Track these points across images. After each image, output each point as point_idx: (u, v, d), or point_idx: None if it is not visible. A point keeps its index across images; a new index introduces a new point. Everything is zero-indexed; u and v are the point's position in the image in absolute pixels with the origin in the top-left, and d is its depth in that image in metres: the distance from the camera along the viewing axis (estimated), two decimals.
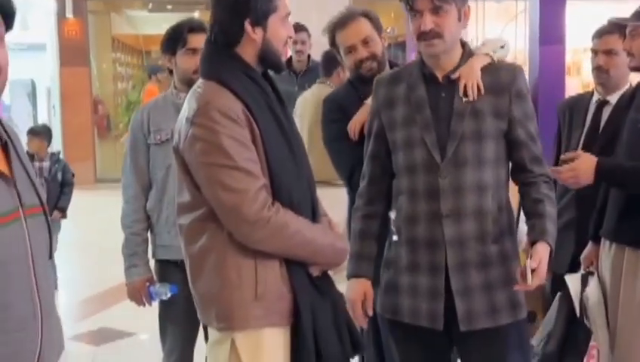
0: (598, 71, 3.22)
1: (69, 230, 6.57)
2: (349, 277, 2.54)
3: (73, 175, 6.29)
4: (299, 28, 6.21)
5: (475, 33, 11.50)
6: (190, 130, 2.13)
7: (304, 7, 7.02)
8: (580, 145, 3.25)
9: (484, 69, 2.42)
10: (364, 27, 2.97)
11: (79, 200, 6.72)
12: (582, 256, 3.03)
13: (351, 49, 2.93)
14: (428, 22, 2.32)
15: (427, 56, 2.42)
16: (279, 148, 2.19)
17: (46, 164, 6.12)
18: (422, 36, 2.34)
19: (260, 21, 2.21)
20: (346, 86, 3.20)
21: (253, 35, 2.21)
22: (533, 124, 2.46)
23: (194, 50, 2.94)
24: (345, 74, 5.28)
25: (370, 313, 2.51)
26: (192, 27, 3.01)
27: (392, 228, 2.47)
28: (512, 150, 2.42)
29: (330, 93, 3.40)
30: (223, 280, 2.18)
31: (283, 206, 2.17)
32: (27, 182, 1.66)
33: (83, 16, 11.62)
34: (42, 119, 12.70)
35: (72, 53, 11.49)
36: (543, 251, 2.29)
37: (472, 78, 2.38)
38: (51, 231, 1.72)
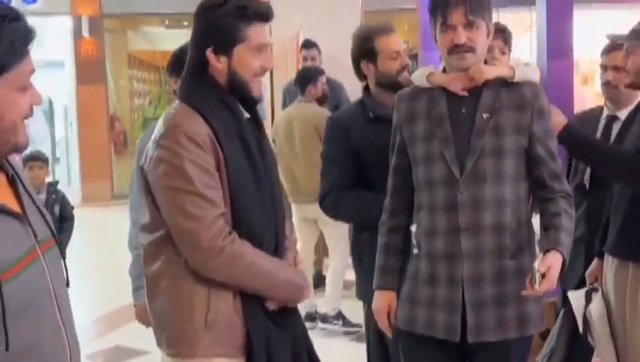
0: (607, 86, 3.23)
1: (86, 246, 6.55)
2: (375, 289, 2.57)
3: (73, 208, 5.51)
4: (309, 44, 6.28)
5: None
6: (156, 152, 2.13)
7: (315, 22, 7.06)
8: None
9: (507, 86, 2.45)
10: (401, 40, 3.09)
11: (96, 216, 6.71)
12: (587, 272, 3.03)
13: (397, 54, 3.00)
14: (462, 36, 2.36)
15: (455, 70, 2.44)
16: (243, 177, 2.17)
17: (42, 197, 5.16)
18: (455, 49, 2.38)
19: (224, 50, 2.18)
20: (355, 105, 3.22)
21: (217, 63, 2.19)
22: (554, 141, 2.49)
23: None
24: (316, 90, 5.44)
25: (393, 323, 2.56)
26: None
27: (413, 241, 2.51)
28: (532, 166, 2.45)
29: (338, 112, 3.45)
30: (175, 305, 2.18)
31: (242, 236, 2.14)
32: (37, 214, 1.66)
33: (99, 34, 11.75)
34: (59, 137, 12.80)
35: (89, 71, 11.60)
36: (553, 258, 2.29)
37: (480, 68, 2.42)
38: (65, 257, 1.72)
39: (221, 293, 2.15)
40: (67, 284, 1.71)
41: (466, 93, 2.44)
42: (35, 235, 1.60)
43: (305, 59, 6.24)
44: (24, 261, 1.55)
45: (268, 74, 7.68)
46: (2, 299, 1.47)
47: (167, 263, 2.18)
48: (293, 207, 5.62)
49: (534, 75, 2.57)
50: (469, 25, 2.37)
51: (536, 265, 2.24)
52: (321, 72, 5.70)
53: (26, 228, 1.59)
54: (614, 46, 3.19)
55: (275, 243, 2.26)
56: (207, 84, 2.21)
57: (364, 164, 3.04)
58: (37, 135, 12.79)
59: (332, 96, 6.00)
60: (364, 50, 3.04)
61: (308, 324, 5.58)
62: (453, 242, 2.39)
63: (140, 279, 3.06)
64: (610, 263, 2.82)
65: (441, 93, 2.48)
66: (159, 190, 2.14)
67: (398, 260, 2.58)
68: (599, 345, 2.83)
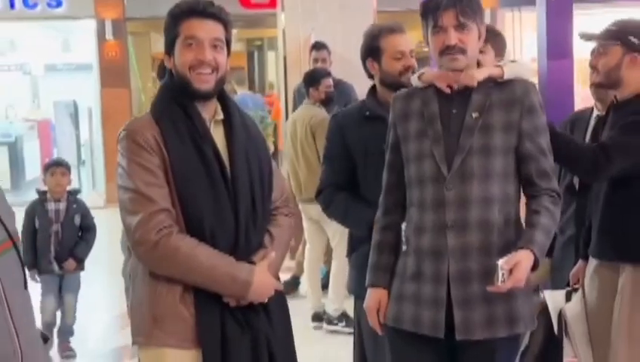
0: (595, 87, 3.21)
1: (110, 246, 6.60)
2: (367, 286, 2.64)
3: (93, 218, 5.32)
4: (319, 46, 6.30)
5: (512, 43, 11.43)
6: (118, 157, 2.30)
7: (328, 23, 7.07)
8: None
9: (499, 85, 2.48)
10: (410, 41, 3.11)
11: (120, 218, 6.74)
12: (571, 273, 3.04)
13: (401, 55, 3.04)
14: (453, 37, 2.41)
15: (448, 70, 2.49)
16: (192, 177, 2.25)
17: (62, 205, 5.09)
18: (446, 50, 2.43)
19: (169, 49, 2.34)
20: (357, 104, 3.28)
21: (169, 63, 2.34)
22: (545, 138, 2.50)
23: None
24: (318, 93, 5.49)
25: (382, 320, 2.60)
26: None
27: (403, 238, 2.56)
28: (521, 164, 2.48)
29: (341, 110, 3.50)
30: (136, 298, 2.34)
31: (193, 234, 2.23)
32: None
33: (123, 37, 11.87)
34: (84, 139, 12.96)
35: (113, 75, 11.71)
36: (522, 256, 2.31)
37: (473, 72, 2.48)
38: (22, 260, 1.72)
39: (170, 287, 2.26)
40: (24, 286, 1.72)
41: (448, 90, 2.48)
42: None
43: (315, 60, 6.26)
44: None
45: (282, 75, 7.78)
46: None
47: (135, 259, 2.36)
48: (300, 207, 5.67)
49: (526, 72, 2.59)
50: (460, 27, 2.42)
51: (500, 262, 2.26)
52: (325, 74, 5.72)
53: None
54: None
55: (235, 241, 2.30)
56: (169, 88, 2.35)
57: (355, 163, 3.08)
58: (63, 137, 13.00)
59: (342, 97, 6.03)
60: (370, 48, 3.09)
61: (314, 324, 5.62)
62: (440, 239, 2.43)
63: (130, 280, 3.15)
64: (591, 264, 2.84)
65: (434, 93, 2.52)
66: (117, 188, 2.31)
67: (391, 258, 2.61)
68: (575, 345, 2.83)
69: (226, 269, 2.25)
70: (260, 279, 2.29)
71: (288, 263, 6.72)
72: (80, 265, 5.14)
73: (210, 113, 2.37)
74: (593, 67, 2.91)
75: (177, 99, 2.30)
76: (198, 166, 2.25)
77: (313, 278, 5.80)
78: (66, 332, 5.22)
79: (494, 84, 2.49)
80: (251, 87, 14.62)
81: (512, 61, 2.64)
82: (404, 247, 2.56)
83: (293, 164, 5.72)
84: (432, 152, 2.46)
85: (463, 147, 2.43)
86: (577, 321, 2.84)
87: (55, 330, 5.14)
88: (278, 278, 2.46)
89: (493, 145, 2.44)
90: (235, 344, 2.25)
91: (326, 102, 5.65)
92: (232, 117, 2.39)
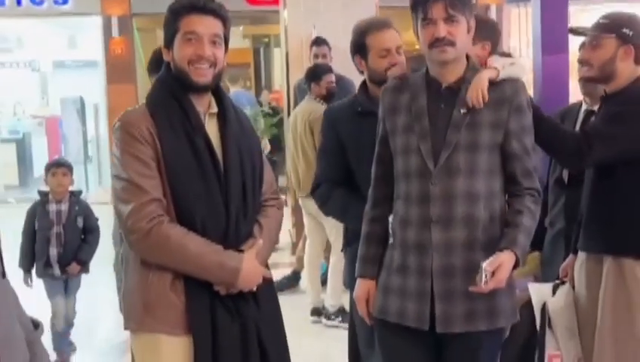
0: (584, 81, 3.22)
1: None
2: (357, 277, 2.69)
3: (97, 219, 5.08)
4: (319, 42, 6.31)
5: (518, 38, 11.38)
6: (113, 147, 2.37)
7: (330, 19, 7.08)
8: None
9: (489, 83, 2.48)
10: (398, 37, 3.09)
11: None
12: (561, 267, 3.05)
13: (386, 52, 3.01)
14: (442, 29, 2.43)
15: (436, 64, 2.51)
16: (183, 169, 2.31)
17: (64, 207, 4.90)
18: (435, 43, 2.45)
19: (168, 43, 2.40)
20: (349, 99, 3.28)
21: (167, 57, 2.41)
22: (530, 138, 2.53)
23: None
24: (319, 88, 5.50)
25: (371, 310, 2.64)
26: None
27: (390, 230, 2.58)
28: (506, 162, 2.50)
29: (333, 104, 3.50)
30: (128, 285, 2.41)
31: (183, 223, 2.30)
32: None
33: (129, 33, 11.91)
34: (91, 136, 13.02)
35: (119, 71, 11.76)
36: (505, 258, 2.36)
37: (477, 87, 2.46)
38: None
39: (161, 275, 2.31)
40: (3, 275, 1.69)
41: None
42: None
43: (316, 56, 6.27)
44: None
45: (284, 71, 7.80)
46: None
47: (126, 247, 2.43)
48: (300, 203, 5.70)
49: (520, 72, 2.60)
50: (449, 19, 2.43)
51: (484, 264, 2.29)
52: (327, 70, 5.74)
53: None
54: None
55: (225, 231, 2.36)
56: (165, 81, 2.41)
57: (348, 158, 3.09)
58: (70, 133, 13.05)
59: (344, 93, 6.03)
60: (357, 45, 3.09)
61: (313, 319, 5.65)
62: (424, 233, 2.46)
63: (121, 274, 3.19)
64: (578, 257, 2.85)
65: (423, 88, 2.53)
66: (112, 178, 2.39)
67: (380, 250, 2.64)
68: (557, 339, 2.85)
69: (214, 257, 2.31)
70: (248, 267, 2.35)
71: (289, 258, 6.77)
72: (84, 268, 4.95)
73: (205, 106, 2.43)
74: (584, 61, 2.90)
75: (173, 92, 2.36)
76: (190, 158, 2.32)
77: (313, 273, 5.83)
78: (69, 325, 5.13)
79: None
80: (257, 84, 14.67)
81: (512, 64, 2.61)
82: (390, 240, 2.59)
83: (293, 159, 5.76)
84: (419, 147, 2.47)
85: (450, 143, 2.45)
86: (561, 315, 2.86)
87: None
88: (267, 267, 2.51)
89: (480, 141, 2.45)
90: (225, 331, 2.31)
91: (327, 98, 5.66)
92: (226, 110, 2.45)
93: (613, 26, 2.79)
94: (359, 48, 3.07)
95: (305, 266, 5.93)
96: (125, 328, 2.43)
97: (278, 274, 6.46)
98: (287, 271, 6.55)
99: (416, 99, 2.53)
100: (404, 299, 2.50)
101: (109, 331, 5.66)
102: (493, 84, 2.49)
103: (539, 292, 2.95)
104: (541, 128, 2.60)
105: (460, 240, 2.44)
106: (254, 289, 2.41)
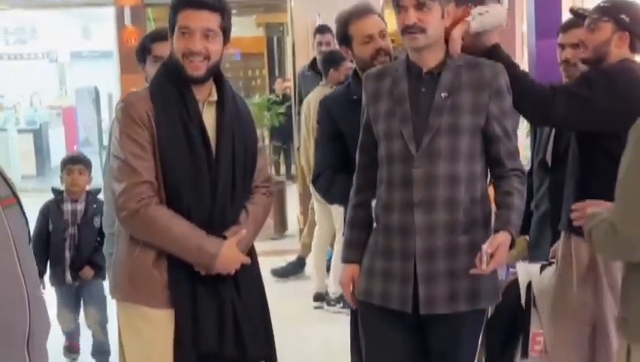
0: (566, 64, 3.23)
1: None
2: (342, 262, 2.75)
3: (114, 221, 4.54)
4: (323, 30, 6.32)
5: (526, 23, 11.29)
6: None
7: (334, 7, 7.08)
8: (552, 137, 3.28)
9: (468, 65, 2.53)
10: (380, 21, 3.10)
11: None
12: (552, 248, 3.09)
13: (369, 38, 3.01)
14: (412, 16, 2.45)
15: (411, 50, 2.54)
16: (175, 153, 2.42)
17: (80, 207, 4.47)
18: (406, 30, 2.47)
19: (170, 35, 2.50)
20: (344, 87, 3.29)
21: (171, 47, 2.51)
22: (510, 121, 2.56)
23: (159, 58, 3.05)
24: (338, 74, 5.45)
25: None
26: (155, 37, 3.21)
27: (373, 215, 2.62)
28: (489, 145, 2.53)
29: (328, 94, 3.51)
30: (117, 256, 2.56)
31: (172, 206, 2.43)
32: None
33: (142, 24, 11.97)
34: (105, 125, 13.14)
35: (132, 60, 11.68)
36: (502, 239, 2.40)
37: (452, 48, 2.55)
38: (27, 218, 1.91)
39: (145, 251, 2.45)
40: (29, 241, 1.91)
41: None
42: None
43: (319, 44, 6.27)
44: None
45: (290, 59, 7.81)
46: None
47: (119, 224, 2.54)
48: (311, 189, 5.73)
49: (493, 21, 2.63)
50: (420, 6, 2.45)
51: (484, 246, 2.33)
52: (344, 57, 5.71)
53: None
54: (572, 24, 3.20)
55: (210, 215, 2.47)
56: (168, 68, 2.51)
57: (347, 145, 3.12)
58: (85, 123, 13.20)
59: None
60: (341, 36, 3.11)
61: (316, 304, 5.70)
62: (407, 217, 2.49)
63: (112, 257, 3.24)
64: (560, 237, 2.90)
65: (404, 73, 2.56)
66: (110, 157, 2.53)
67: (364, 234, 2.67)
68: (541, 318, 2.90)
69: (195, 241, 2.43)
70: (226, 253, 2.46)
71: (298, 245, 6.82)
72: (100, 272, 4.43)
73: (204, 95, 2.52)
74: (581, 43, 2.91)
75: (174, 79, 2.46)
76: (184, 145, 2.43)
77: (319, 259, 5.87)
78: (100, 352, 4.63)
79: (464, 64, 2.53)
80: (271, 72, 14.70)
81: (481, 14, 2.61)
82: (374, 224, 2.62)
83: (305, 145, 5.76)
84: (401, 131, 2.50)
85: (432, 126, 2.47)
86: (544, 295, 2.89)
87: (89, 351, 4.67)
88: (253, 249, 2.66)
89: (461, 125, 2.48)
90: (204, 307, 2.45)
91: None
92: (224, 99, 2.54)
93: (612, 10, 2.80)
94: (344, 38, 3.10)
95: (312, 251, 5.97)
96: (112, 297, 2.62)
97: (288, 261, 6.55)
98: (291, 258, 6.59)
99: (397, 84, 2.56)
100: (387, 282, 2.54)
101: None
102: (470, 64, 2.52)
103: (526, 271, 2.99)
104: (513, 76, 2.61)
105: (441, 222, 2.47)
106: (232, 272, 2.51)
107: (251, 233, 2.59)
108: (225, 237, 2.49)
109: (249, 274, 2.59)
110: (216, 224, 2.48)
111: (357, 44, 3.04)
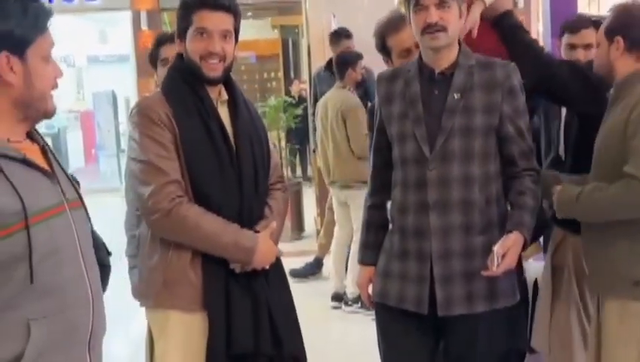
0: None
1: None
2: (358, 263, 2.77)
3: (110, 253, 4.58)
4: (344, 36, 6.28)
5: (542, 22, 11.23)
6: (128, 130, 2.45)
7: (350, 9, 7.10)
8: (562, 132, 3.27)
9: (480, 65, 2.53)
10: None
11: None
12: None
13: (407, 52, 2.98)
14: (434, 15, 2.45)
15: (428, 50, 2.54)
16: (200, 151, 2.40)
17: None
18: (427, 29, 2.47)
19: (181, 36, 2.48)
20: None
21: (180, 47, 2.50)
22: (524, 120, 2.56)
23: (167, 61, 3.09)
24: (356, 74, 5.48)
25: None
26: (161, 41, 3.26)
27: (388, 217, 2.63)
28: (502, 145, 2.53)
29: (373, 103, 3.53)
30: (144, 263, 2.49)
31: (200, 203, 2.38)
32: (65, 179, 1.88)
33: (158, 27, 12.03)
34: (123, 128, 13.22)
35: (149, 65, 11.84)
36: (514, 240, 2.41)
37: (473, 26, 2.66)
38: (91, 221, 1.95)
39: (180, 253, 2.41)
40: (92, 244, 1.94)
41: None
42: (63, 193, 1.83)
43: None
44: (51, 211, 1.78)
45: (305, 60, 7.83)
46: (30, 239, 1.69)
47: (145, 227, 2.49)
48: (330, 190, 5.75)
49: None
50: (441, 4, 2.45)
51: (495, 247, 2.34)
52: (360, 56, 5.72)
53: (55, 186, 1.82)
54: (583, 25, 3.20)
55: (239, 211, 2.45)
56: (179, 70, 2.49)
57: None
58: (103, 126, 13.29)
59: (370, 82, 6.05)
60: (380, 47, 3.09)
61: (333, 304, 5.72)
62: (423, 218, 2.49)
63: (134, 259, 3.25)
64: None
65: (416, 75, 2.57)
66: (128, 162, 2.47)
67: (380, 236, 2.69)
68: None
69: (231, 237, 2.40)
70: (263, 246, 2.45)
71: (312, 246, 6.84)
72: None
73: (216, 94, 2.52)
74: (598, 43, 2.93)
75: (187, 80, 2.45)
76: (206, 141, 2.41)
77: (338, 259, 5.87)
78: None
79: (476, 64, 2.53)
80: (286, 74, 14.72)
81: None
82: (390, 226, 2.63)
83: (323, 146, 5.78)
84: (414, 133, 2.51)
85: (445, 128, 2.47)
86: (545, 291, 2.95)
87: None
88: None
89: (475, 126, 2.48)
90: (238, 308, 2.41)
91: (359, 85, 5.67)
92: (236, 97, 2.55)
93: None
94: (383, 49, 3.09)
95: (332, 251, 5.97)
96: (141, 305, 2.55)
97: (305, 262, 6.57)
98: (309, 259, 6.61)
99: (409, 85, 2.56)
100: (403, 284, 2.55)
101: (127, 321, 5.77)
102: (482, 64, 2.53)
103: (533, 269, 3.01)
104: (525, 43, 2.72)
105: (457, 223, 2.47)
106: (267, 267, 2.50)
107: (279, 226, 2.60)
108: (257, 232, 2.48)
109: (277, 270, 2.58)
110: (245, 220, 2.46)
111: (395, 56, 3.04)
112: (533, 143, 2.66)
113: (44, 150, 1.86)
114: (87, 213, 1.93)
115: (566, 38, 3.26)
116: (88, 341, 1.85)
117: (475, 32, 2.59)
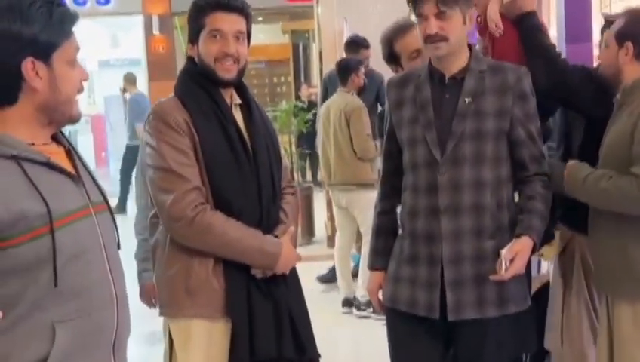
0: None
1: None
2: (368, 269, 2.76)
3: (119, 247, 4.58)
4: (367, 45, 6.28)
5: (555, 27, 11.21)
6: (145, 137, 2.40)
7: (362, 14, 7.10)
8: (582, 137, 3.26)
9: (491, 70, 2.53)
10: None
11: None
12: None
13: (417, 53, 3.00)
14: (433, 26, 2.44)
15: (433, 58, 2.54)
16: (219, 156, 2.37)
17: None
18: (428, 39, 2.47)
19: (193, 39, 2.46)
20: None
21: (192, 52, 2.47)
22: (535, 124, 2.56)
23: None
24: (359, 79, 5.51)
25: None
26: None
27: (399, 221, 2.63)
28: (513, 149, 2.53)
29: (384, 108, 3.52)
30: (164, 271, 2.43)
31: (221, 209, 2.35)
32: (91, 182, 1.87)
33: (169, 32, 12.09)
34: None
35: (160, 68, 11.93)
36: (523, 245, 2.41)
37: (492, 21, 2.74)
38: (116, 225, 1.95)
39: (202, 260, 2.37)
40: (118, 246, 1.94)
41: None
42: (88, 197, 1.83)
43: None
44: (77, 214, 1.77)
45: (317, 64, 7.83)
46: (54, 242, 1.69)
47: (161, 235, 2.45)
48: (330, 194, 5.74)
49: None
50: (441, 14, 2.44)
51: (503, 252, 2.33)
52: (362, 62, 5.77)
53: (80, 189, 1.81)
54: (606, 25, 3.18)
55: (260, 216, 2.43)
56: (192, 74, 2.45)
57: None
58: (114, 130, 13.30)
59: (373, 87, 6.07)
60: (388, 55, 3.11)
61: (344, 310, 5.70)
62: (433, 223, 2.49)
63: (144, 262, 3.26)
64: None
65: (427, 79, 2.56)
66: (145, 169, 2.42)
67: (389, 242, 2.69)
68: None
69: (255, 242, 2.38)
70: (286, 252, 2.43)
71: (326, 251, 6.81)
72: None
73: (228, 98, 2.50)
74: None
75: (201, 84, 2.42)
76: (225, 147, 2.38)
77: (343, 264, 5.86)
78: None
79: (487, 69, 2.53)
80: (296, 79, 14.74)
81: None
82: (400, 231, 2.63)
83: (325, 150, 5.79)
84: (425, 137, 2.50)
85: (456, 132, 2.47)
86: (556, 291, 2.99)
87: None
88: None
89: (486, 130, 2.47)
90: (260, 313, 2.38)
91: (362, 90, 5.70)
92: (249, 101, 2.53)
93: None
94: (391, 57, 3.10)
95: (335, 258, 5.96)
96: (161, 314, 2.51)
97: (315, 267, 6.53)
98: (324, 264, 6.58)
99: (420, 90, 2.56)
100: (414, 288, 2.54)
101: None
102: (493, 69, 2.52)
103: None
104: (543, 46, 2.74)
105: (468, 228, 2.46)
106: (287, 272, 2.48)
107: (295, 231, 2.59)
108: (276, 236, 2.46)
109: (293, 275, 2.56)
110: (265, 225, 2.44)
111: (405, 60, 3.04)
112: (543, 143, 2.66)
113: (70, 152, 1.86)
114: (113, 216, 1.93)
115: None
116: (113, 343, 1.85)
117: (496, 30, 2.64)
